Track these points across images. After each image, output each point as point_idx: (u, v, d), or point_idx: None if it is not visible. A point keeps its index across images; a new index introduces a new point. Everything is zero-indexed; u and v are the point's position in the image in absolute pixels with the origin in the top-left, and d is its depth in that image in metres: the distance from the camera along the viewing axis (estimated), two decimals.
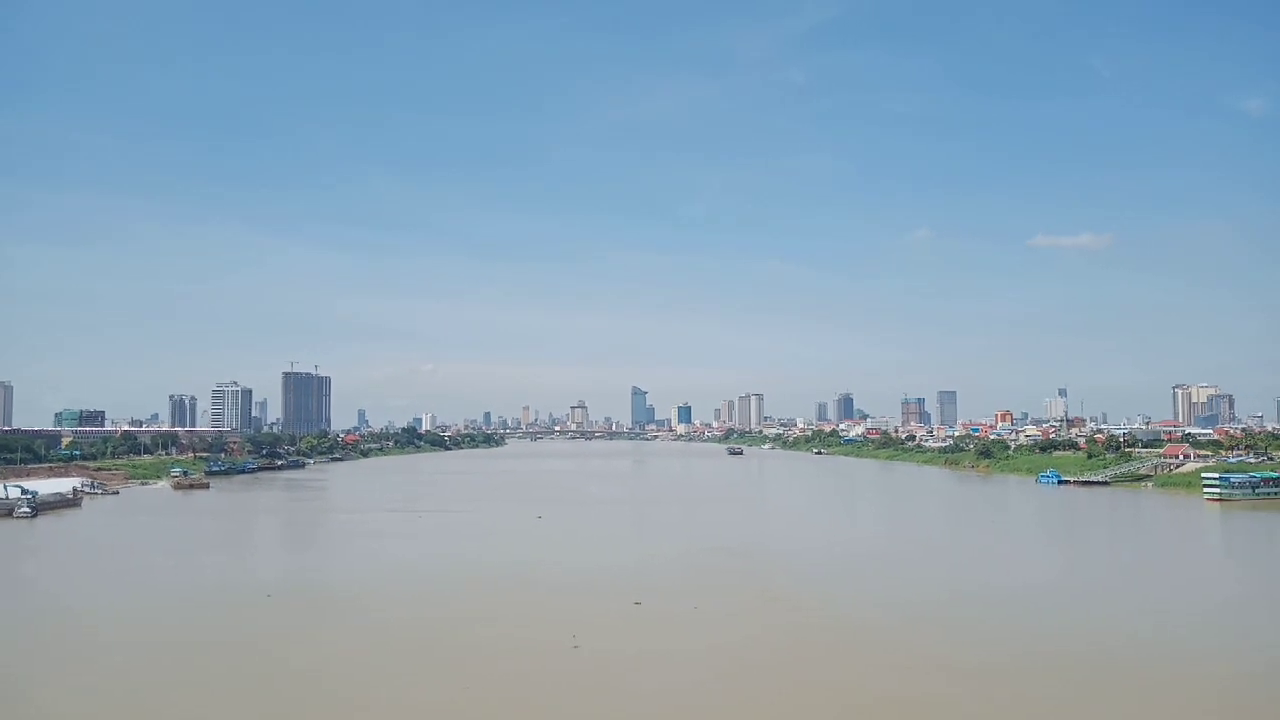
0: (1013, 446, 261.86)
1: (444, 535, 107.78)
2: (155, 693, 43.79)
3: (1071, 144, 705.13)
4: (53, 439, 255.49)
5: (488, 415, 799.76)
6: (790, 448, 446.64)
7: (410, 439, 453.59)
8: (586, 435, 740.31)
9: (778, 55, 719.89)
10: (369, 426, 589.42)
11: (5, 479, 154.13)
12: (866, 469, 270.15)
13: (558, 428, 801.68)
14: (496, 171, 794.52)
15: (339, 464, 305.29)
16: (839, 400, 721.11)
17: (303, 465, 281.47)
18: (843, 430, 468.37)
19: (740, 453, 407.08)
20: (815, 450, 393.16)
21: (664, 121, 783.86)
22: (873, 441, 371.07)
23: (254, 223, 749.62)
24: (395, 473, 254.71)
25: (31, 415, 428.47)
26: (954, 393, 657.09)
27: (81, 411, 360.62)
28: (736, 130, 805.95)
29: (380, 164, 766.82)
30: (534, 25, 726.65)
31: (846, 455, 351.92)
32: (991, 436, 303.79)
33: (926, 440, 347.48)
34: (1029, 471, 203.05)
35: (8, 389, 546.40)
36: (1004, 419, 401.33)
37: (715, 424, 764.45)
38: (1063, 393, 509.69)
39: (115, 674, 47.14)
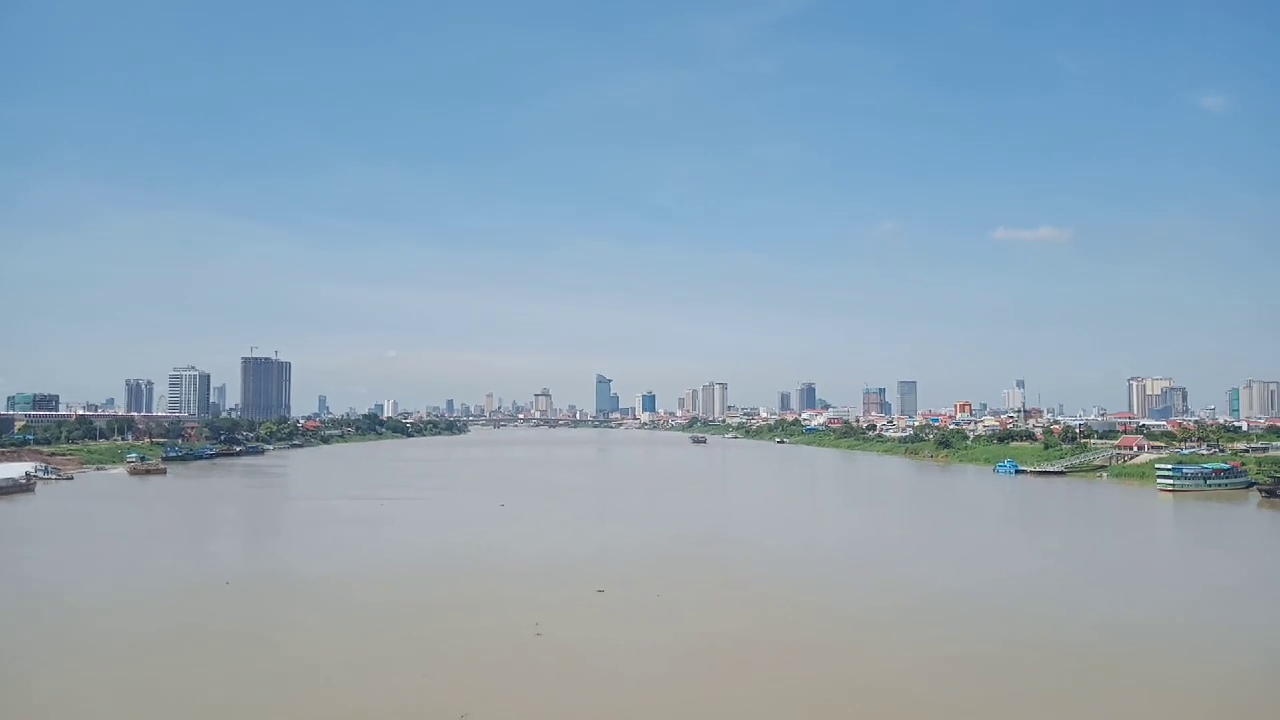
0: (971, 437, 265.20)
1: (406, 522, 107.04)
2: (109, 680, 43.12)
3: (1034, 137, 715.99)
4: (5, 423, 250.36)
5: (450, 403, 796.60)
6: (753, 436, 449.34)
7: (372, 426, 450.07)
8: (550, 423, 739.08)
9: (746, 46, 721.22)
10: (330, 413, 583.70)
11: None
12: (828, 458, 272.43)
13: (521, 415, 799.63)
14: (463, 161, 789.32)
15: (299, 450, 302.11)
16: (802, 390, 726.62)
17: (262, 451, 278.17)
18: (805, 420, 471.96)
19: (704, 441, 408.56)
20: (778, 439, 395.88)
21: (632, 112, 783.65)
22: (834, 431, 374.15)
23: (221, 211, 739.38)
24: (356, 460, 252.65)
25: None
26: (914, 383, 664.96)
27: (35, 395, 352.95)
28: (705, 121, 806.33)
29: (348, 154, 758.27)
30: (502, 16, 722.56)
31: (809, 444, 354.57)
32: (950, 427, 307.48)
33: (887, 430, 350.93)
34: (987, 461, 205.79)
35: None
36: (963, 409, 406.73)
37: (679, 412, 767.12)
38: (1021, 384, 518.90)
39: (69, 661, 46.27)
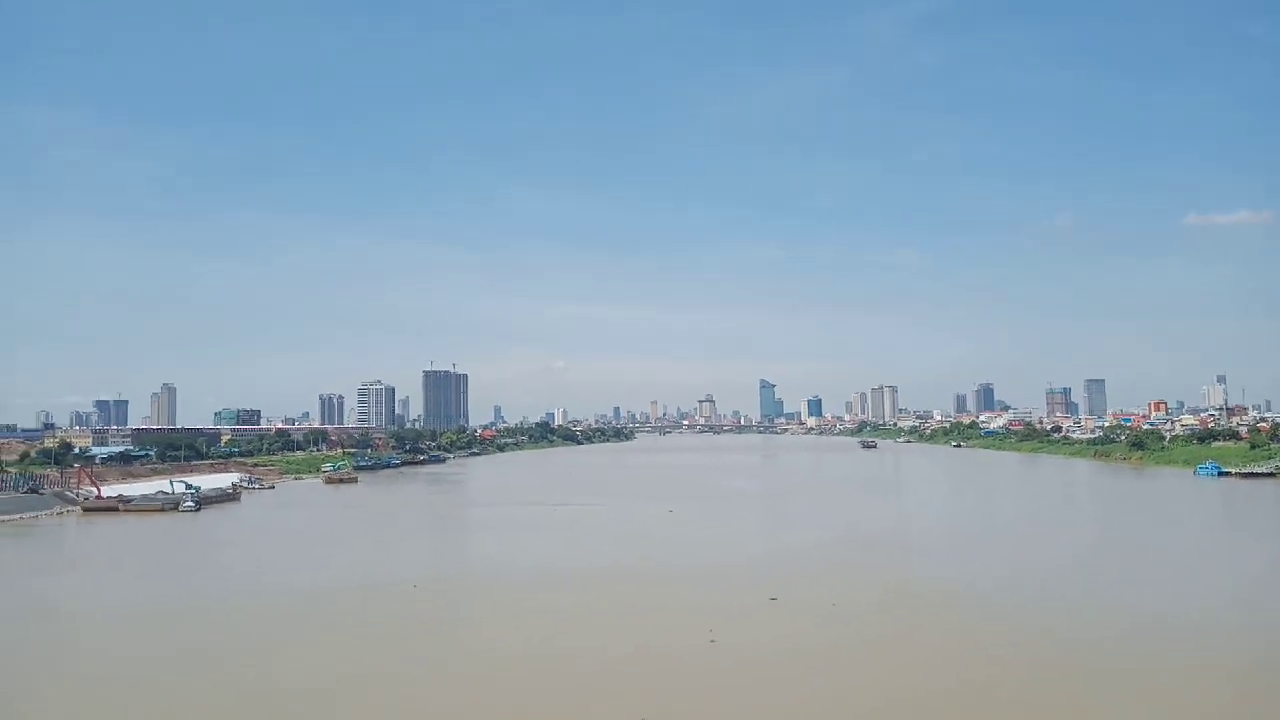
0: (1167, 437, 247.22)
1: (578, 528, 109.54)
2: (308, 672, 46.03)
3: (1225, 118, 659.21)
4: (213, 437, 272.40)
5: (617, 410, 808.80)
6: (927, 441, 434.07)
7: (544, 434, 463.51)
8: (715, 429, 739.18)
9: (906, 39, 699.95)
10: (504, 422, 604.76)
11: (172, 475, 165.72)
12: (1009, 462, 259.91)
13: (686, 422, 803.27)
14: (617, 169, 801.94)
15: (477, 458, 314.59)
16: (978, 391, 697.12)
17: (443, 460, 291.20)
18: (983, 422, 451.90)
19: (874, 446, 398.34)
20: (954, 443, 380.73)
21: (785, 113, 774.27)
22: (1015, 433, 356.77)
23: (397, 234, 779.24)
24: (530, 467, 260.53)
25: (193, 415, 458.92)
26: (1102, 381, 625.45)
27: (239, 411, 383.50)
28: (864, 118, 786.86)
29: (513, 175, 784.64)
30: (650, 19, 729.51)
31: (987, 448, 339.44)
32: (1144, 427, 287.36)
33: (1073, 431, 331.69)
34: (1186, 463, 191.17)
35: (171, 391, 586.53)
36: (1157, 409, 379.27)
37: (847, 417, 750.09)
38: (1221, 380, 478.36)
39: (271, 652, 49.76)
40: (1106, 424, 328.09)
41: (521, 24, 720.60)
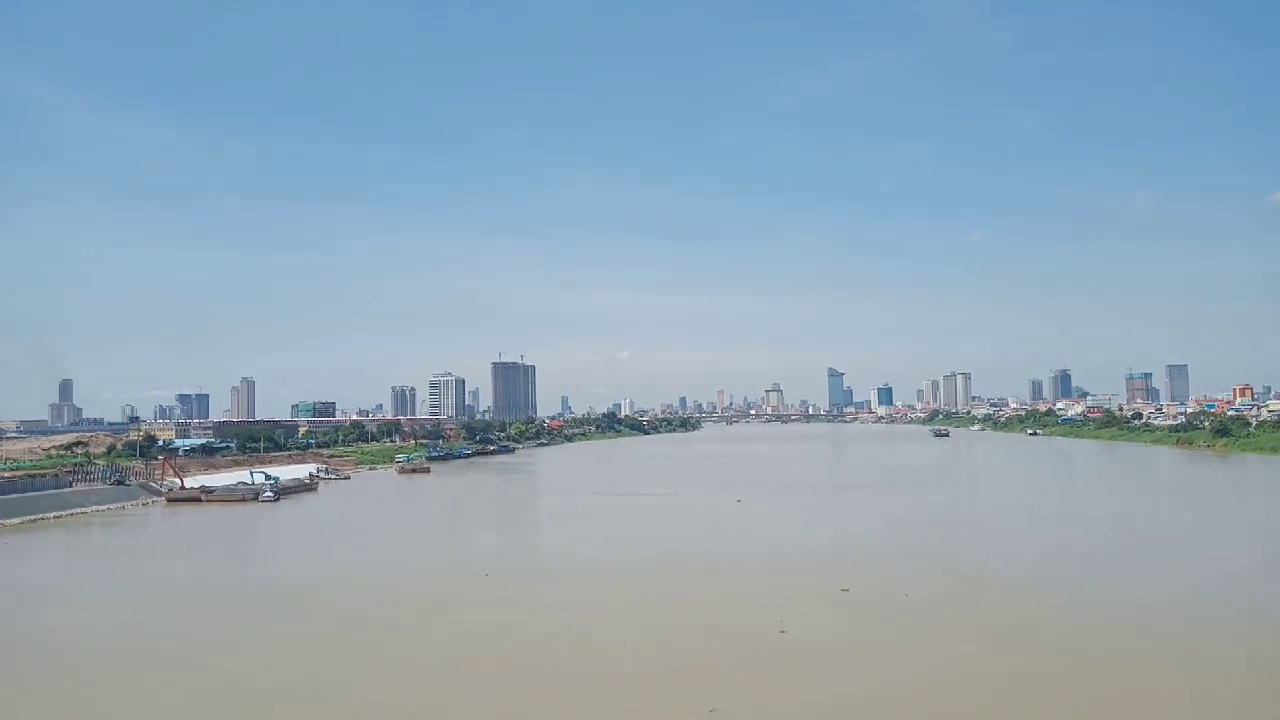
0: (1254, 423, 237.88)
1: (646, 517, 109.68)
2: (392, 656, 46.86)
3: None
4: (290, 429, 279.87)
5: (683, 400, 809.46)
6: (1001, 429, 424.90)
7: (610, 424, 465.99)
8: (782, 418, 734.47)
9: (979, 16, 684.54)
10: (571, 412, 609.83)
11: (251, 466, 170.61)
12: (1087, 450, 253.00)
13: (753, 411, 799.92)
14: (682, 155, 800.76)
15: (545, 448, 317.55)
16: (1055, 377, 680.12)
17: (512, 450, 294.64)
18: (1060, 409, 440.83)
19: (946, 434, 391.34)
20: (1029, 431, 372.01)
21: (851, 95, 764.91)
22: (1094, 421, 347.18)
23: (460, 227, 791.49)
24: (597, 457, 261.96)
25: (272, 407, 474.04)
26: (1184, 366, 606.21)
27: (315, 403, 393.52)
28: (929, 99, 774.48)
29: (573, 164, 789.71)
30: (710, 3, 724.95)
31: (1064, 436, 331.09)
32: (1229, 413, 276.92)
33: (1154, 418, 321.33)
34: (1273, 450, 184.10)
35: (251, 384, 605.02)
36: (1243, 394, 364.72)
37: (918, 405, 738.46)
38: None
39: (350, 639, 50.76)
40: (1189, 410, 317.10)
41: (580, 11, 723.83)
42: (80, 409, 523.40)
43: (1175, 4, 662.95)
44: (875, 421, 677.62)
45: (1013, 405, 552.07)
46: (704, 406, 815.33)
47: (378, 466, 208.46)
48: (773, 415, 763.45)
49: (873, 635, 49.96)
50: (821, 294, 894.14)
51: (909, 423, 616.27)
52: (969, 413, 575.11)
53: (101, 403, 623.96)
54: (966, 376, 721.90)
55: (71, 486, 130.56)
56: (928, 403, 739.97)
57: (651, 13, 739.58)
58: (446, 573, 73.18)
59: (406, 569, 75.41)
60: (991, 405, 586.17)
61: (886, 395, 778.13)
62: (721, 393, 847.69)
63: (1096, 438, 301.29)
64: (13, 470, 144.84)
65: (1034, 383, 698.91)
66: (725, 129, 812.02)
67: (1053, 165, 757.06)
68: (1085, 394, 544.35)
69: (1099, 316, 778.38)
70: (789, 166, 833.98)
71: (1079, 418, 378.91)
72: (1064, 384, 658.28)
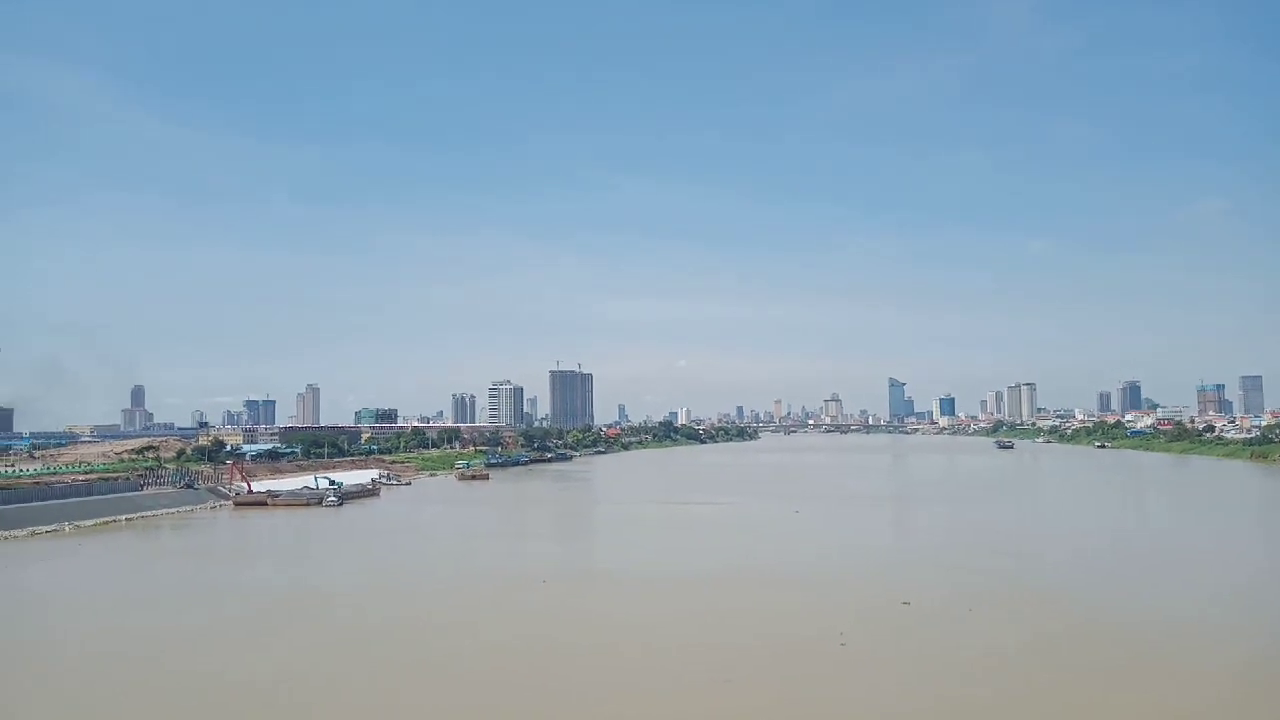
0: None
1: (704, 526, 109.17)
2: (438, 667, 47.23)
3: None
4: (354, 435, 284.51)
5: (740, 409, 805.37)
6: (1068, 441, 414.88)
7: (667, 432, 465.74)
8: (841, 429, 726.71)
9: (1042, 20, 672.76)
10: (628, 420, 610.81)
11: (316, 471, 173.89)
12: (1157, 464, 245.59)
13: (811, 421, 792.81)
14: (741, 163, 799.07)
15: (602, 456, 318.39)
16: (1123, 389, 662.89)
17: (569, 458, 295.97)
18: (1128, 422, 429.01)
19: (1010, 446, 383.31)
20: (1097, 444, 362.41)
21: (910, 102, 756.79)
22: (1164, 434, 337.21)
23: (517, 234, 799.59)
24: (654, 465, 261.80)
25: (336, 414, 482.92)
26: (1259, 378, 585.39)
27: (378, 410, 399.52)
28: (993, 105, 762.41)
29: (629, 169, 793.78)
30: (770, 10, 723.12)
31: (1133, 449, 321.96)
32: None
33: (1227, 431, 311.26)
34: None
35: (316, 391, 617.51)
36: None
37: (981, 416, 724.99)
38: None
39: (408, 644, 51.28)
40: (1264, 423, 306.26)
41: (640, 15, 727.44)
42: (151, 414, 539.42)
43: (1238, 8, 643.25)
44: (936, 433, 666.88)
45: (1079, 417, 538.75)
46: (761, 416, 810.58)
47: (438, 473, 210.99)
48: (831, 425, 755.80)
49: (935, 650, 48.91)
50: (882, 303, 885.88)
51: (971, 434, 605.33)
52: (1034, 425, 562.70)
53: (171, 408, 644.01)
54: (1031, 387, 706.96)
55: (143, 490, 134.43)
56: (991, 414, 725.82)
57: (711, 19, 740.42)
58: (505, 579, 73.58)
59: (466, 575, 76.07)
60: (1058, 417, 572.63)
61: (948, 406, 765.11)
62: (779, 402, 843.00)
63: (1167, 451, 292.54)
64: (87, 473, 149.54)
65: (1102, 394, 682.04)
66: (785, 137, 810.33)
67: (1117, 172, 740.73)
68: (1155, 406, 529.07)
69: (1169, 327, 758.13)
70: (849, 174, 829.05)
71: (1148, 430, 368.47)
72: (1133, 396, 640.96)
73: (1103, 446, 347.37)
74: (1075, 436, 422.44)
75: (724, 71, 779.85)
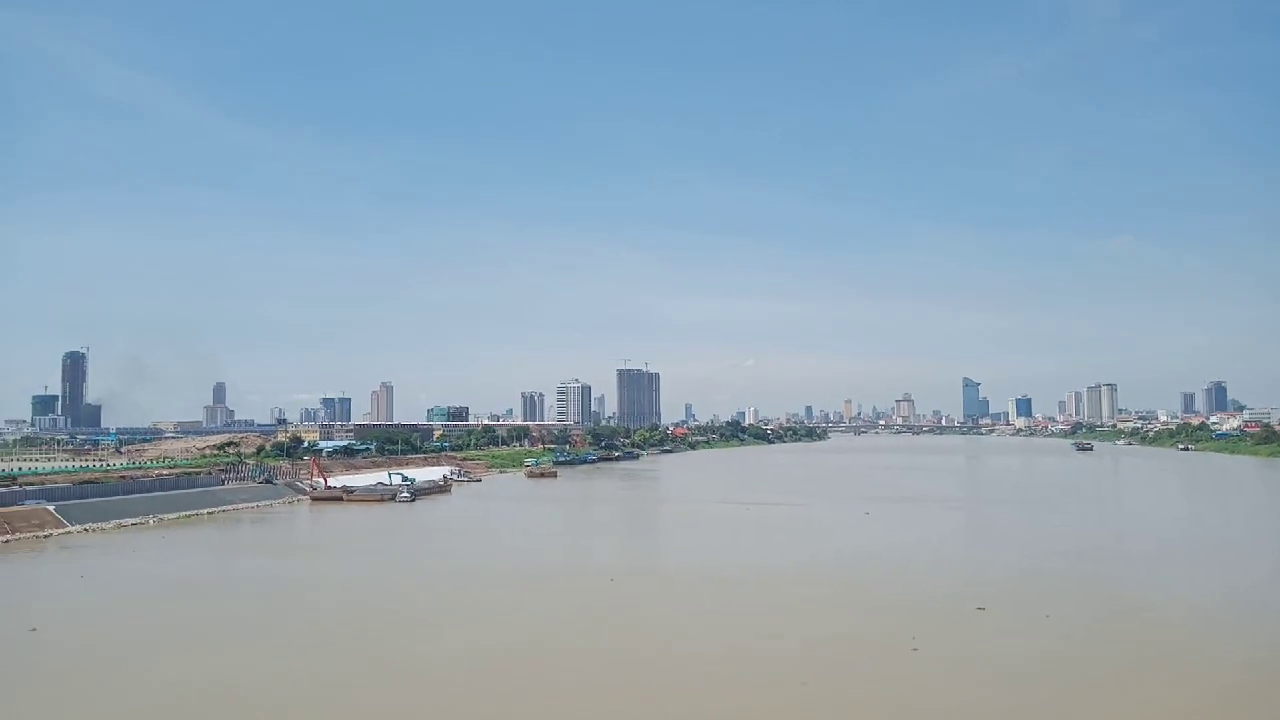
0: None
1: (772, 527, 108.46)
2: (506, 656, 47.69)
3: None
4: (426, 432, 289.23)
5: (809, 409, 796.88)
6: (1150, 443, 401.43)
7: (734, 432, 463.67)
8: (913, 430, 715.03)
9: (1123, 12, 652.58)
10: (695, 420, 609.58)
11: (389, 468, 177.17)
12: (1244, 467, 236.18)
13: (882, 421, 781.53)
14: (812, 160, 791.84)
15: (669, 455, 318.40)
16: (1209, 390, 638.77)
17: (637, 457, 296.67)
18: (1214, 424, 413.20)
19: (1090, 449, 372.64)
20: (1180, 446, 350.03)
21: (985, 96, 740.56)
22: (1251, 436, 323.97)
23: (583, 234, 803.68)
24: (722, 465, 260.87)
25: (408, 411, 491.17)
26: None
27: (449, 408, 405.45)
28: (1075, 97, 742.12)
29: (695, 166, 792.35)
30: (845, 7, 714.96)
31: (1219, 452, 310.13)
32: None
33: None
34: None
35: (389, 389, 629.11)
36: None
37: (1059, 418, 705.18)
38: None
39: (469, 635, 51.93)
40: None
41: (710, 11, 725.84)
42: (232, 411, 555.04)
43: None
44: (1013, 434, 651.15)
45: (1162, 419, 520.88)
46: (830, 416, 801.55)
47: (507, 470, 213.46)
48: (903, 426, 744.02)
49: (1010, 658, 47.78)
50: (956, 301, 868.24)
51: (1049, 436, 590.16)
52: (1114, 426, 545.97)
53: (251, 404, 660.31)
54: (1112, 388, 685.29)
55: (224, 485, 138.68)
56: (1069, 415, 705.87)
57: (781, 15, 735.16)
58: (573, 576, 74.11)
59: (535, 571, 76.69)
60: (1139, 418, 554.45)
61: (1025, 407, 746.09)
62: (849, 402, 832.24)
63: (1254, 454, 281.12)
64: (170, 468, 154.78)
65: (1185, 395, 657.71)
66: (857, 133, 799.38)
67: (1202, 163, 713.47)
68: (1242, 407, 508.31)
69: (1258, 324, 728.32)
70: (922, 171, 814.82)
71: (1235, 433, 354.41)
72: (1218, 397, 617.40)
73: (1186, 449, 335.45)
74: (1157, 439, 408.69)
75: (796, 66, 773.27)
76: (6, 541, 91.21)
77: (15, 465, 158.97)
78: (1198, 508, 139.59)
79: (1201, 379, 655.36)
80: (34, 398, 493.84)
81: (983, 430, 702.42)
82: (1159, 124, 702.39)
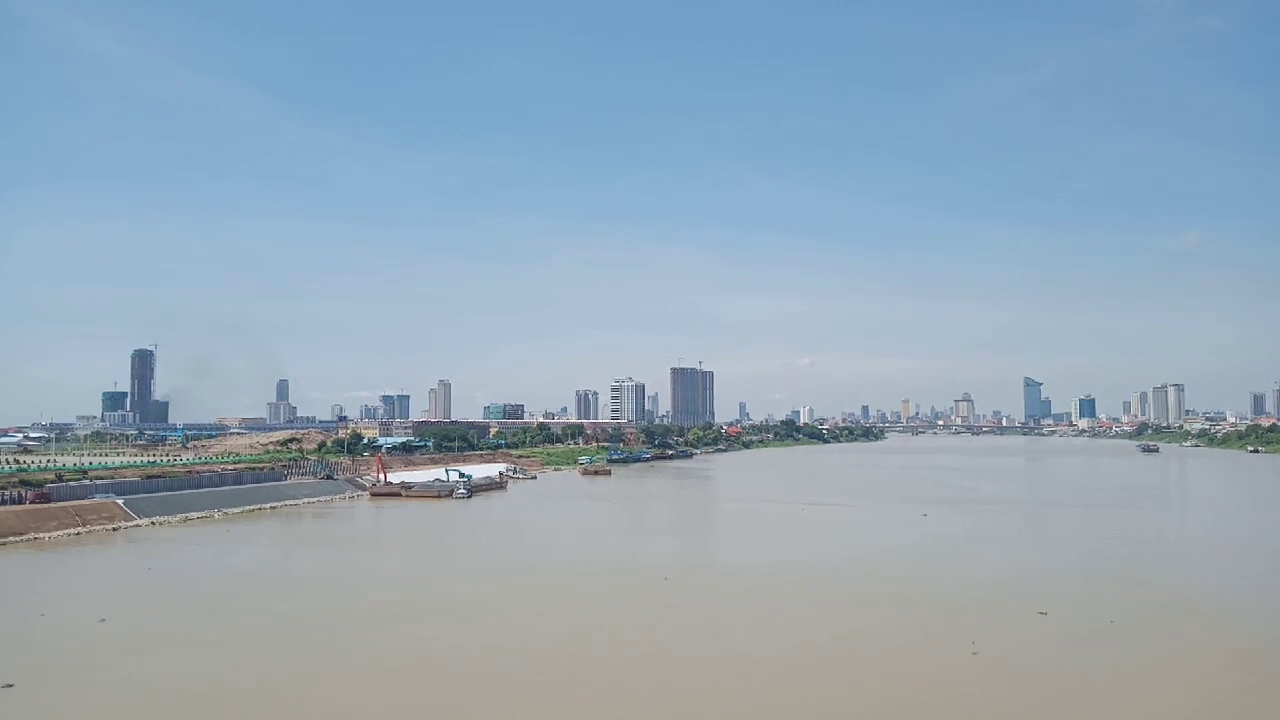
0: None
1: (827, 528, 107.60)
2: (551, 651, 48.05)
3: None
4: (482, 429, 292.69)
5: (865, 409, 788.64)
6: (1218, 445, 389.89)
7: (789, 431, 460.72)
8: (973, 430, 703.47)
9: (1192, 3, 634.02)
10: (749, 419, 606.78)
11: (447, 464, 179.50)
12: None
13: (940, 422, 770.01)
14: (869, 158, 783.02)
15: (723, 454, 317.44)
16: (1279, 390, 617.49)
17: (690, 455, 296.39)
18: None
19: (1155, 450, 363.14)
20: (1249, 448, 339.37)
21: (1048, 90, 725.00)
22: None
23: (638, 227, 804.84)
24: (776, 464, 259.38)
25: (465, 409, 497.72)
26: None
27: (505, 405, 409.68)
28: (1140, 90, 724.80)
29: (745, 161, 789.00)
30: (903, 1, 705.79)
31: None
32: None
33: None
34: None
35: (447, 386, 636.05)
36: None
37: (1124, 418, 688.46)
38: None
39: (517, 629, 52.39)
40: None
41: (760, 13, 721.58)
42: (295, 407, 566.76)
43: None
44: (1075, 435, 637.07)
45: (1231, 420, 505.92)
46: (887, 416, 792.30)
47: (562, 467, 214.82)
48: (962, 426, 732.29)
49: (1073, 663, 46.88)
50: (1017, 300, 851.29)
51: (1113, 437, 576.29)
52: (1181, 427, 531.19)
53: (312, 401, 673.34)
54: (1179, 388, 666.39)
55: (287, 479, 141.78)
56: (1135, 416, 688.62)
57: (834, 9, 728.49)
58: (627, 574, 74.31)
59: (589, 569, 77.06)
60: (1207, 419, 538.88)
61: (1088, 407, 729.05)
62: (907, 402, 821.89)
63: None
64: (235, 463, 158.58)
65: (1255, 396, 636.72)
66: (918, 131, 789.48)
67: (1273, 159, 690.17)
68: None
69: None
70: (983, 168, 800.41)
71: None
72: None
73: (1256, 451, 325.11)
74: (1226, 440, 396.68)
75: (851, 65, 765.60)
76: (77, 534, 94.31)
77: (86, 460, 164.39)
78: (1268, 513, 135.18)
79: (1271, 379, 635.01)
80: (104, 394, 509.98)
81: (1044, 431, 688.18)
82: (1226, 118, 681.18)
